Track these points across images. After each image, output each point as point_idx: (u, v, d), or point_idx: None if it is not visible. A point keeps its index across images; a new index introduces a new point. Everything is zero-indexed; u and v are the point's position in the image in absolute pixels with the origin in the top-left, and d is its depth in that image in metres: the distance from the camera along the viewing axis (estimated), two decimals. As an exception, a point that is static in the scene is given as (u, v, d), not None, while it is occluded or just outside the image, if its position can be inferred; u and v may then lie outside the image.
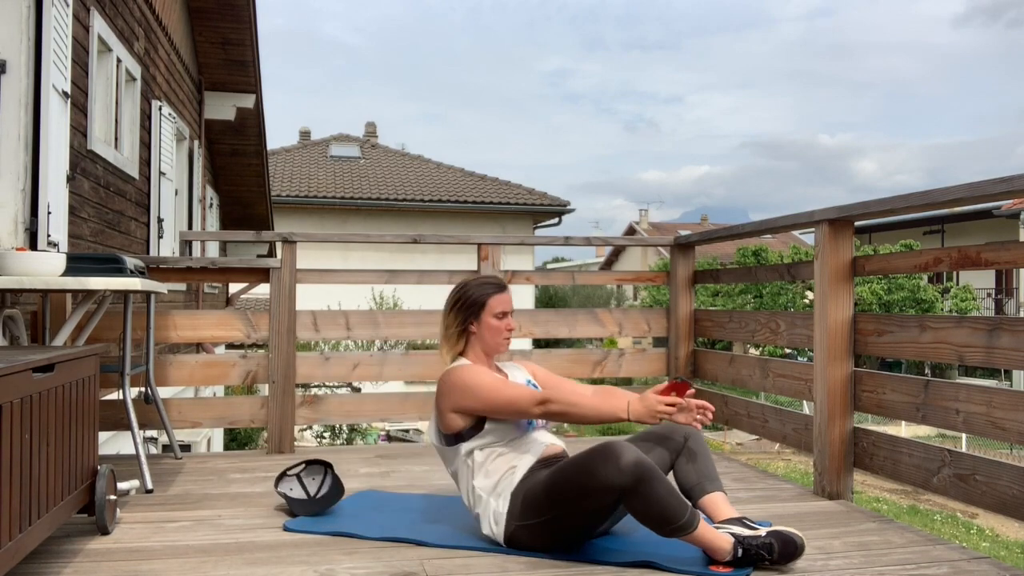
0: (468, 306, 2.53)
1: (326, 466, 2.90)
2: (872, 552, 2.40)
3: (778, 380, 3.61)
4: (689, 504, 2.19)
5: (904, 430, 16.46)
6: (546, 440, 2.50)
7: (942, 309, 21.96)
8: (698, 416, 2.35)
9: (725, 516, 2.35)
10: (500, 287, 2.57)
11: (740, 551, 2.19)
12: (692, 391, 2.35)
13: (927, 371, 20.84)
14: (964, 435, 15.21)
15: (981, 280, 24.76)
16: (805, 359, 10.64)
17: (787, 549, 2.20)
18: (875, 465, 2.98)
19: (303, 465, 2.91)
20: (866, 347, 3.07)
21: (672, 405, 2.30)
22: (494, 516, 2.37)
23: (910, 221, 25.05)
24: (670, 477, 2.45)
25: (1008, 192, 2.35)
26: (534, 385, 2.63)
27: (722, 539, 2.20)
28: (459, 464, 2.48)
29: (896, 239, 24.14)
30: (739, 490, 3.20)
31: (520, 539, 2.33)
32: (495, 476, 2.39)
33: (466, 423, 2.44)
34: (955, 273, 24.20)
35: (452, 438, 2.47)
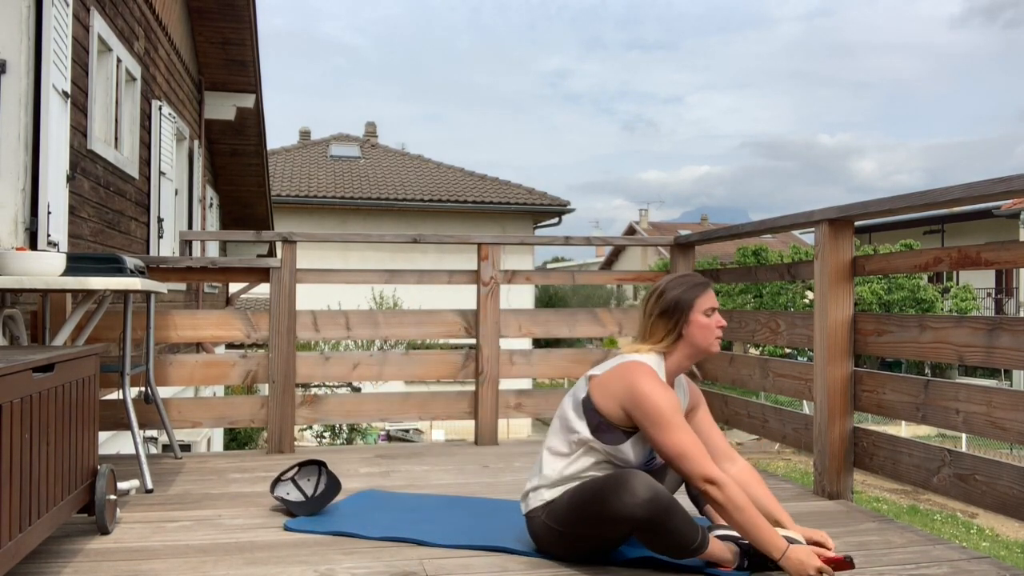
0: (676, 309, 2.32)
1: (320, 465, 2.90)
2: (872, 552, 2.40)
3: (778, 380, 3.61)
4: (700, 527, 2.15)
5: (904, 430, 16.47)
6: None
7: (942, 309, 21.95)
8: None
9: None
10: (704, 284, 2.39)
11: (746, 561, 2.21)
12: (850, 569, 2.16)
13: (927, 371, 20.84)
14: (964, 435, 15.21)
15: (981, 280, 24.76)
16: (805, 359, 10.64)
17: None
18: (875, 465, 2.98)
19: (296, 468, 2.92)
20: (866, 347, 3.07)
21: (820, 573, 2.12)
22: (537, 496, 2.30)
23: (910, 221, 25.06)
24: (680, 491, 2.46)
25: (1007, 192, 2.35)
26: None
27: (727, 551, 2.20)
28: (568, 437, 2.30)
29: (896, 239, 24.13)
30: (739, 490, 3.21)
31: (535, 529, 2.31)
32: (577, 479, 2.28)
33: (619, 423, 2.24)
34: (955, 273, 24.21)
35: (594, 415, 2.26)
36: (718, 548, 2.19)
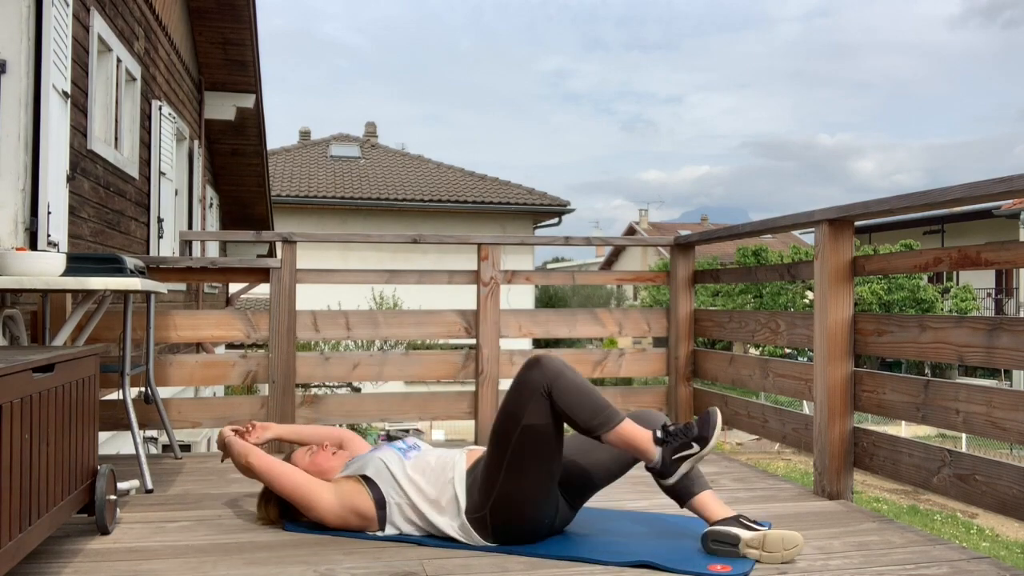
0: None
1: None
2: (872, 552, 2.40)
3: (778, 380, 3.61)
4: (610, 405, 2.33)
5: (904, 430, 16.47)
6: (451, 452, 2.54)
7: (942, 309, 21.96)
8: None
9: (720, 516, 2.34)
10: None
11: (660, 433, 2.32)
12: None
13: (927, 371, 20.84)
14: (964, 435, 15.21)
15: (981, 280, 24.76)
16: (805, 359, 10.64)
17: (706, 423, 2.33)
18: (875, 465, 2.98)
19: None
20: (866, 347, 3.07)
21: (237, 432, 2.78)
22: (463, 531, 2.39)
23: (910, 221, 25.05)
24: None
25: (1008, 192, 2.35)
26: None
27: (645, 438, 2.32)
28: (396, 512, 2.47)
29: (896, 239, 24.14)
30: (739, 490, 3.21)
31: (498, 519, 2.35)
32: (439, 497, 2.43)
33: (368, 492, 2.47)
34: (955, 273, 24.21)
35: (380, 511, 2.46)
36: (631, 427, 2.31)
